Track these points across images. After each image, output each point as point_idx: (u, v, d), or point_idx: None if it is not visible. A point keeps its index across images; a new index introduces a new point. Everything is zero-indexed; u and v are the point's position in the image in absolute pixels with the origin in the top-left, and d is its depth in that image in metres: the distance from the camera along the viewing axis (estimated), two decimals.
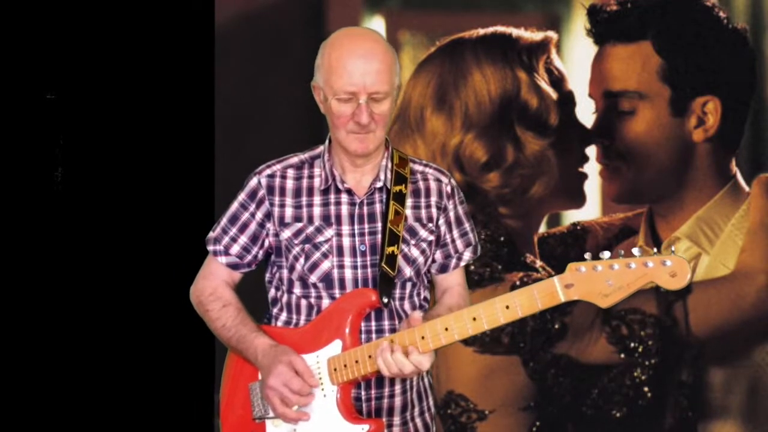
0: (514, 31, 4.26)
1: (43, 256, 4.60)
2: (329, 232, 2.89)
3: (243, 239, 2.95)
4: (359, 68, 2.82)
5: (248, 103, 4.53)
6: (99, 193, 4.62)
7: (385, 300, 2.86)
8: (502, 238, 4.23)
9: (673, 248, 2.64)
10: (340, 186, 2.90)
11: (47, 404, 4.59)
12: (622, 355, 4.20)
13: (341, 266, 2.89)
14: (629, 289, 2.65)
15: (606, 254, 2.64)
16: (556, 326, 4.18)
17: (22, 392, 4.59)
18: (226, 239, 2.96)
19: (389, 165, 2.94)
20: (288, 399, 2.81)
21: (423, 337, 2.75)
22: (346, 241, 2.89)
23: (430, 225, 2.95)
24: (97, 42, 4.60)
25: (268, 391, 2.82)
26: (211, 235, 2.99)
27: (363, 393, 2.89)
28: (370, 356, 2.79)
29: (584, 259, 2.65)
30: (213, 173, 4.43)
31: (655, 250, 2.63)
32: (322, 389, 2.84)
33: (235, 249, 2.95)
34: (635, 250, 2.62)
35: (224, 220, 2.97)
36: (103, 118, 4.63)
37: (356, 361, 2.81)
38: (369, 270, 2.89)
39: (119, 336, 4.60)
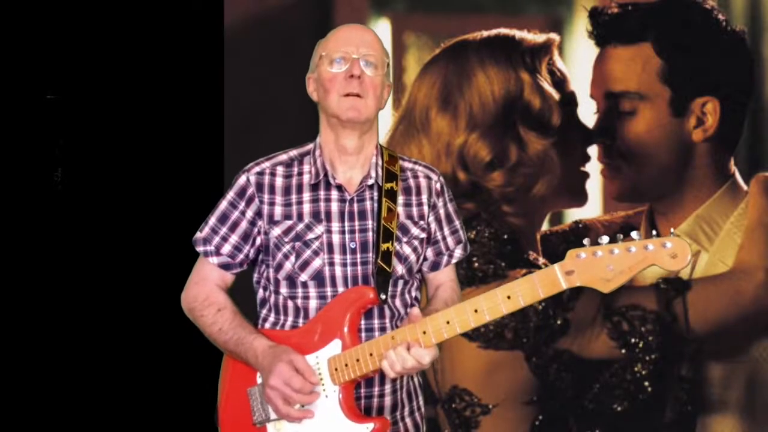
0: (517, 33, 4.27)
1: (43, 257, 4.60)
2: (319, 229, 2.89)
3: (234, 238, 2.93)
4: (353, 35, 2.90)
5: (256, 104, 4.55)
6: (99, 193, 4.62)
7: (383, 296, 2.86)
8: (505, 236, 4.25)
9: (672, 230, 2.64)
10: (331, 181, 2.90)
11: (48, 404, 4.59)
12: (623, 351, 4.21)
13: (331, 263, 2.88)
14: (630, 273, 2.62)
15: (605, 239, 2.63)
16: (558, 322, 4.20)
17: (22, 392, 4.59)
18: (217, 239, 2.94)
19: (380, 162, 2.94)
20: (290, 397, 2.80)
21: (425, 332, 2.76)
22: (336, 238, 2.89)
23: (422, 222, 2.95)
24: (100, 42, 4.60)
25: (270, 391, 2.81)
26: (199, 235, 2.96)
27: (353, 391, 2.88)
28: (371, 354, 2.80)
29: (584, 246, 2.65)
30: (222, 174, 4.45)
31: (654, 232, 2.63)
32: (324, 390, 2.84)
33: (227, 248, 2.93)
34: (634, 234, 2.61)
35: (213, 220, 2.95)
36: (104, 118, 4.62)
37: (357, 360, 2.81)
38: (359, 267, 2.89)
39: (120, 337, 4.58)
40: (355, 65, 2.85)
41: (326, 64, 2.87)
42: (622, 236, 2.64)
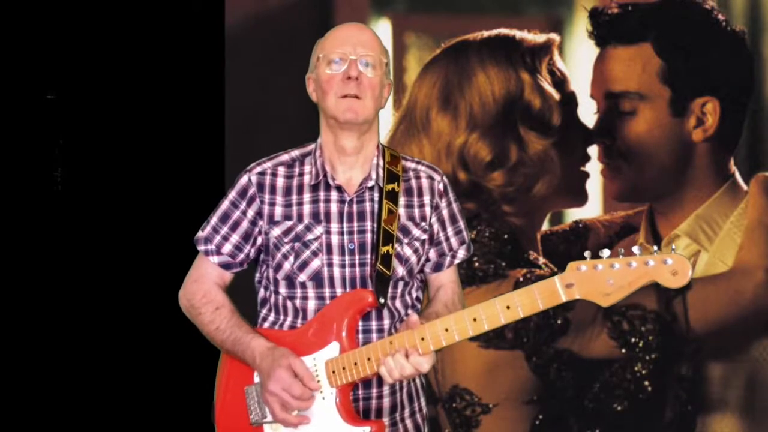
0: (518, 34, 4.30)
1: (43, 256, 4.58)
2: (319, 230, 2.87)
3: (235, 237, 2.92)
4: (350, 35, 2.88)
5: (257, 104, 4.54)
6: (99, 193, 4.60)
7: (382, 301, 2.84)
8: (505, 236, 4.26)
9: (673, 246, 2.64)
10: (330, 182, 2.89)
11: (47, 404, 4.58)
12: (623, 350, 4.23)
13: (330, 264, 2.86)
14: (630, 288, 2.63)
15: (606, 253, 2.63)
16: (559, 322, 4.21)
17: (22, 392, 4.58)
18: (218, 238, 2.92)
19: (381, 163, 2.92)
20: (289, 404, 2.79)
21: (423, 339, 2.75)
22: (335, 239, 2.87)
23: (423, 224, 2.93)
24: (100, 43, 4.58)
25: (269, 396, 2.80)
26: (201, 234, 2.95)
27: (350, 394, 2.86)
28: (369, 358, 2.79)
29: (585, 258, 2.64)
30: (223, 174, 4.45)
31: (656, 248, 2.61)
32: (321, 392, 2.83)
33: (228, 248, 2.92)
34: (635, 249, 2.61)
35: (214, 219, 2.94)
36: (105, 118, 4.60)
37: (355, 364, 2.80)
38: (357, 269, 2.87)
39: (120, 335, 4.57)
40: (352, 67, 2.83)
41: (324, 65, 2.86)
42: (623, 250, 2.64)
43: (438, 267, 2.98)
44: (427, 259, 2.97)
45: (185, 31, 4.57)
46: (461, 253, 3.00)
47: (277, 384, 2.79)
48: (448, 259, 2.99)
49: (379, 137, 2.97)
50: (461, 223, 3.01)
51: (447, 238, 2.98)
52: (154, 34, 4.59)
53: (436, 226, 2.96)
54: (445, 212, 2.97)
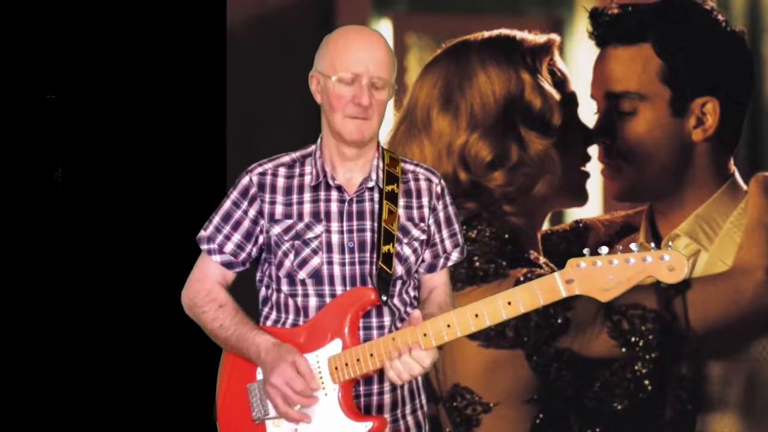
0: (518, 34, 4.31)
1: (43, 256, 4.59)
2: (319, 229, 2.90)
3: (237, 237, 2.94)
4: (365, 53, 2.86)
5: (259, 104, 4.55)
6: (99, 193, 4.61)
7: (384, 298, 2.86)
8: (506, 236, 4.27)
9: (670, 243, 2.68)
10: (330, 182, 2.91)
11: (47, 402, 4.58)
12: (623, 349, 4.24)
13: (330, 262, 2.89)
14: (629, 284, 2.67)
15: (604, 249, 2.66)
16: (559, 321, 4.22)
17: (22, 391, 4.59)
18: (220, 237, 2.95)
19: (380, 165, 2.95)
20: (290, 398, 2.81)
21: (425, 334, 2.76)
22: (335, 238, 2.90)
23: (422, 225, 2.96)
24: (101, 42, 4.59)
25: (270, 388, 2.82)
26: (203, 233, 2.97)
27: (352, 390, 2.88)
28: (371, 354, 2.80)
29: (584, 255, 2.68)
30: (225, 173, 4.46)
31: (653, 245, 2.66)
32: (323, 388, 2.84)
33: (230, 247, 2.94)
34: (633, 246, 2.64)
35: (216, 219, 2.96)
36: (106, 118, 4.61)
37: (357, 360, 2.82)
38: (357, 267, 2.90)
39: (121, 333, 4.58)
40: (364, 93, 2.84)
41: (334, 80, 2.86)
42: (621, 247, 2.68)
43: (432, 268, 3.01)
44: (422, 260, 3.00)
45: (187, 31, 4.58)
46: (455, 256, 3.03)
47: (280, 377, 2.81)
48: (441, 260, 3.02)
49: (379, 139, 2.98)
50: (456, 226, 3.03)
51: (442, 240, 3.01)
52: (156, 34, 4.60)
53: (432, 228, 2.99)
54: (441, 214, 3.00)
